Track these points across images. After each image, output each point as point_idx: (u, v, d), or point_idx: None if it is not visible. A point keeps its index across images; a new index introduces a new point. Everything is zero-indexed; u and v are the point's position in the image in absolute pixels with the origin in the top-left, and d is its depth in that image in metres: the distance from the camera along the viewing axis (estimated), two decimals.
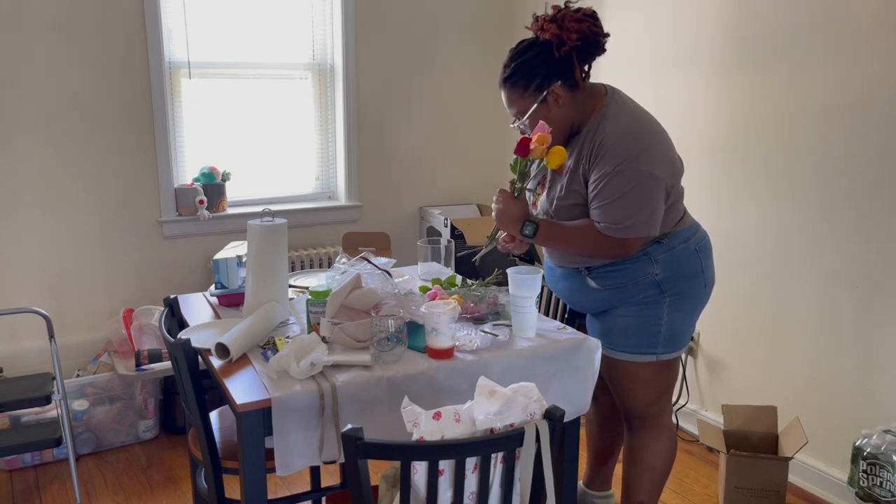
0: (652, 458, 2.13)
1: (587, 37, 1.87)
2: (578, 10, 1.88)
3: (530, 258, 3.54)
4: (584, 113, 1.95)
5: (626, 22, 3.27)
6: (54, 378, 2.69)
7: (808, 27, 2.56)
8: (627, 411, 2.13)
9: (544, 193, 2.05)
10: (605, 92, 1.95)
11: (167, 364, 2.99)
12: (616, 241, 1.88)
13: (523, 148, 1.88)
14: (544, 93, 1.90)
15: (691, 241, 1.99)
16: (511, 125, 2.05)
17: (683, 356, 3.16)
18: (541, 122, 1.89)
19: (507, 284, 1.90)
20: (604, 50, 1.91)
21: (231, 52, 3.48)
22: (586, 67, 1.94)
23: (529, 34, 1.96)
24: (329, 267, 3.37)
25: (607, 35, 1.91)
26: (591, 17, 1.88)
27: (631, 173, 1.83)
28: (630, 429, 2.16)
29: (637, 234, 1.88)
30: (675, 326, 2.01)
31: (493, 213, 1.99)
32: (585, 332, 2.14)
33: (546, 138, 1.84)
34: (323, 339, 1.73)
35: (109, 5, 3.14)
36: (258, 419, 1.52)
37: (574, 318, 2.19)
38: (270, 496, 2.62)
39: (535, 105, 1.91)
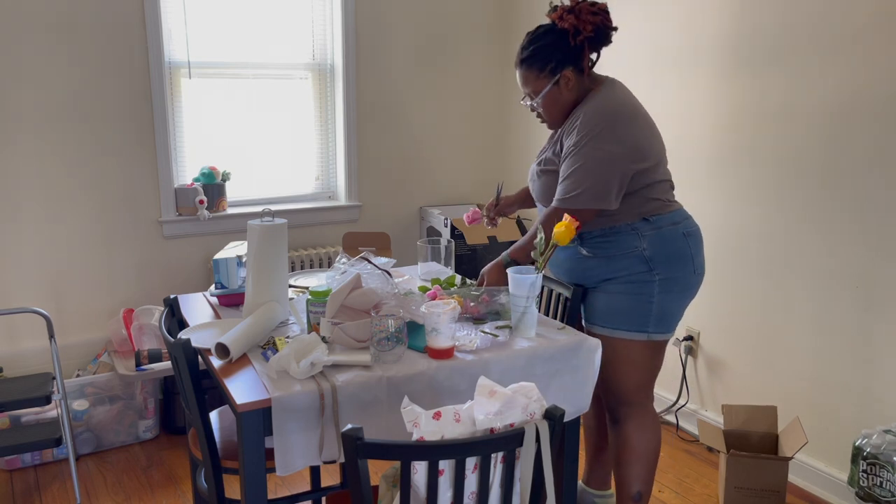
0: (642, 445, 2.17)
1: (600, 29, 2.01)
2: (594, 3, 2.03)
3: (532, 260, 3.54)
4: (584, 96, 2.09)
5: (626, 22, 3.27)
6: (54, 378, 2.69)
7: (807, 28, 2.56)
8: (617, 397, 2.16)
9: (534, 164, 2.22)
10: (604, 81, 2.09)
11: (167, 364, 2.99)
12: (567, 212, 1.95)
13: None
14: (557, 76, 2.04)
15: (680, 225, 2.07)
16: (521, 101, 2.21)
17: (683, 356, 3.16)
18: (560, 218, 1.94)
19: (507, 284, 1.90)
20: (611, 41, 2.06)
21: (231, 52, 3.48)
22: (594, 56, 2.09)
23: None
24: (329, 267, 3.37)
25: (616, 29, 2.05)
26: (604, 12, 2.04)
27: (587, 150, 1.97)
28: (616, 420, 2.19)
29: (583, 206, 1.96)
30: (665, 307, 2.07)
31: (485, 282, 2.13)
32: (583, 330, 2.16)
33: (571, 225, 1.84)
34: (323, 339, 1.73)
35: (109, 5, 3.14)
36: (258, 419, 1.52)
37: (575, 317, 2.19)
38: (270, 496, 2.62)
39: (549, 87, 2.06)
